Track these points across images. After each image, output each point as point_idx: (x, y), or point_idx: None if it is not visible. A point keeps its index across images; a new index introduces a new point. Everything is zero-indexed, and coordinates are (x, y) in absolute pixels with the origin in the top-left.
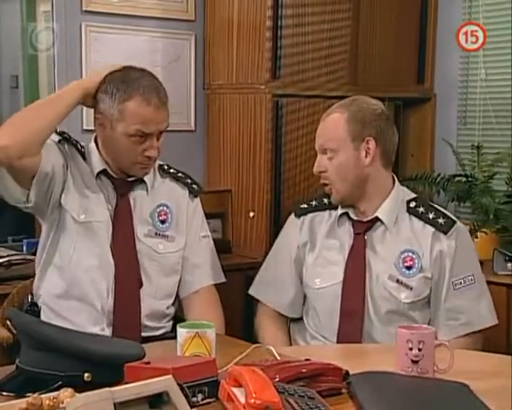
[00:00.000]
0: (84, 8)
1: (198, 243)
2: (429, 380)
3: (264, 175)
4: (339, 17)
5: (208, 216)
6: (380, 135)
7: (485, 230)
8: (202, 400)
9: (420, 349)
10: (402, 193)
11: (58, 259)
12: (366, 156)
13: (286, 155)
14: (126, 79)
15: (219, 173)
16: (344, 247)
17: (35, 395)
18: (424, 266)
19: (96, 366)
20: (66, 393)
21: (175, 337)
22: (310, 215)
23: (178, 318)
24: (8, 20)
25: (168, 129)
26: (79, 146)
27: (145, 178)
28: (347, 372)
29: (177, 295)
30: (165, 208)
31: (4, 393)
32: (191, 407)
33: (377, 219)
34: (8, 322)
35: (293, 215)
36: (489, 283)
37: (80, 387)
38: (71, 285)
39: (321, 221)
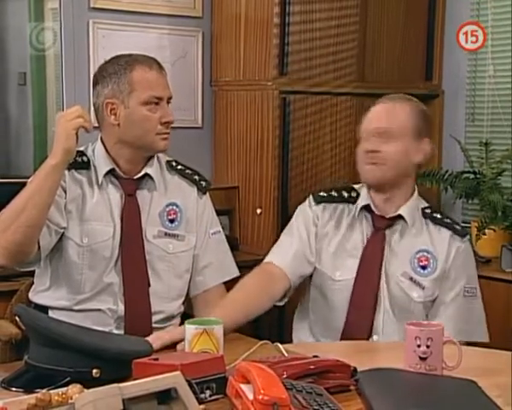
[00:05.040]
0: (91, 6)
1: (208, 241)
2: (437, 377)
3: (272, 172)
4: (346, 13)
5: (215, 213)
6: (432, 142)
7: (493, 227)
8: (210, 396)
9: (428, 346)
10: (418, 201)
11: (64, 281)
12: (418, 154)
13: (293, 151)
14: (122, 58)
15: (226, 170)
16: (364, 241)
17: (44, 390)
18: (439, 265)
19: (105, 363)
20: (74, 389)
21: None
22: (330, 205)
23: (186, 315)
24: (16, 17)
25: (175, 125)
26: (81, 160)
27: (153, 175)
28: (355, 369)
29: (187, 294)
30: (174, 207)
31: (13, 389)
32: (199, 403)
33: (399, 217)
34: (16, 318)
35: (311, 200)
36: (497, 280)
37: (89, 383)
38: (79, 303)
39: (342, 213)
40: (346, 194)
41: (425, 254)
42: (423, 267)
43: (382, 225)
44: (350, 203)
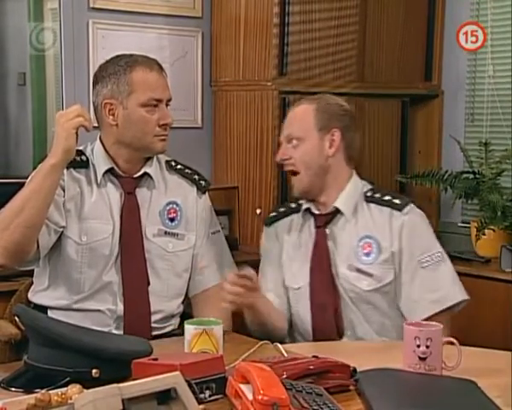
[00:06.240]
0: (91, 6)
1: (207, 240)
2: (437, 377)
3: (271, 172)
4: (346, 14)
5: (215, 213)
6: (345, 130)
7: (492, 227)
8: (210, 396)
9: (428, 346)
10: (361, 185)
11: (63, 280)
12: (330, 147)
13: None
14: (123, 58)
15: (226, 170)
16: (312, 243)
17: (43, 391)
18: (383, 247)
19: (104, 363)
20: (74, 389)
21: (182, 334)
22: (281, 221)
23: (185, 314)
24: (16, 17)
25: (175, 125)
26: (80, 159)
27: (152, 174)
28: (355, 369)
29: (186, 294)
30: (174, 206)
31: (13, 389)
32: (199, 403)
33: (337, 210)
34: (16, 318)
35: (264, 227)
36: (496, 280)
37: (88, 383)
38: (78, 301)
39: (291, 223)
40: (293, 205)
41: (367, 240)
42: (367, 254)
43: (321, 222)
44: (298, 212)
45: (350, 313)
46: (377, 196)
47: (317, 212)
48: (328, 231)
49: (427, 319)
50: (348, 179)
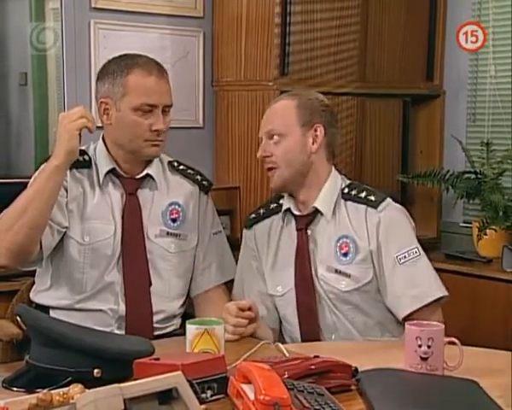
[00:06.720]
0: (92, 6)
1: (209, 241)
2: (438, 377)
3: None
4: (348, 14)
5: (217, 213)
6: (327, 125)
7: (494, 227)
8: (211, 396)
9: (429, 346)
10: (340, 181)
11: (65, 280)
12: (313, 143)
13: None
14: (125, 58)
15: (227, 170)
16: (294, 245)
17: (45, 390)
18: (360, 247)
19: (106, 363)
20: (75, 389)
21: (184, 334)
22: (260, 224)
23: (187, 315)
24: (17, 17)
25: (176, 125)
26: (83, 159)
27: (154, 175)
28: (356, 369)
29: (188, 294)
30: (176, 207)
31: (14, 389)
32: (200, 403)
33: (317, 210)
34: (17, 318)
35: (244, 229)
36: (498, 280)
37: (90, 383)
38: (80, 301)
39: (271, 225)
40: (273, 205)
41: (344, 240)
42: (345, 254)
43: (302, 224)
44: (278, 213)
45: (332, 314)
46: (353, 192)
47: (297, 213)
48: (309, 232)
49: (410, 315)
50: (328, 176)
